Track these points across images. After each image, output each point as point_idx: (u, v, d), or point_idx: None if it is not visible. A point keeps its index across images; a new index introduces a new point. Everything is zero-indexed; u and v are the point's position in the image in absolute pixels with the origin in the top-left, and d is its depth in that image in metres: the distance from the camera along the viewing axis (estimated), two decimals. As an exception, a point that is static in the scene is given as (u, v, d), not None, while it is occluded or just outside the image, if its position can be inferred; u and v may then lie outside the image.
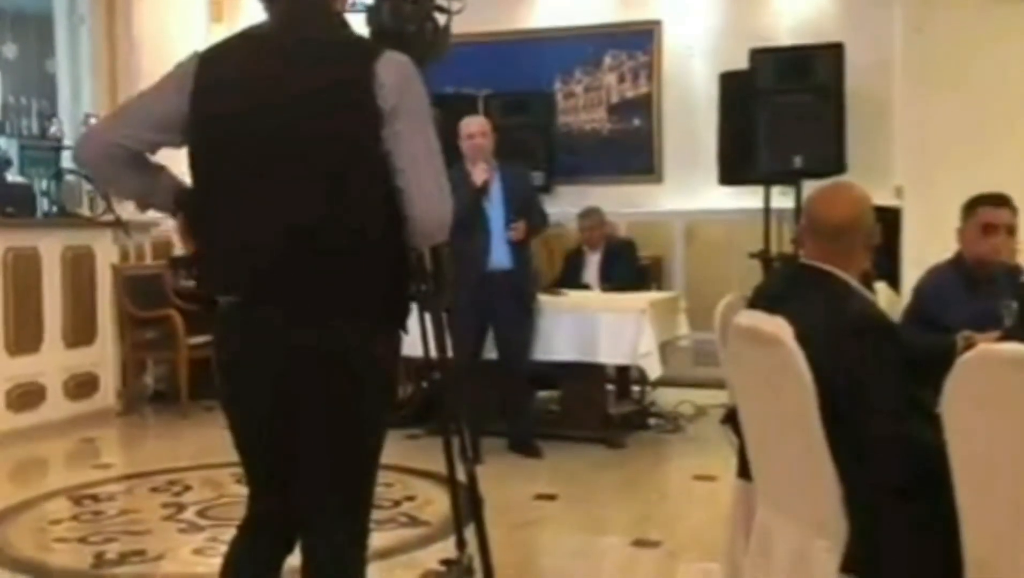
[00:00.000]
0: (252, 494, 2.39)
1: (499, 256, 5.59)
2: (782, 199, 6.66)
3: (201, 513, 4.62)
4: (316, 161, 2.14)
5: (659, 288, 7.14)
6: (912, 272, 4.38)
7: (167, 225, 7.25)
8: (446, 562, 3.35)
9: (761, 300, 2.63)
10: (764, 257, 6.53)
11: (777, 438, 2.48)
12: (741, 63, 6.67)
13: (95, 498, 4.95)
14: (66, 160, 6.97)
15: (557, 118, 7.96)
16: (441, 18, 2.82)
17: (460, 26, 2.97)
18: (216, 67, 2.24)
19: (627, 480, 5.24)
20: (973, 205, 3.77)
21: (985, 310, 3.43)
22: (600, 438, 5.83)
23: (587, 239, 6.92)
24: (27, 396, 6.28)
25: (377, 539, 3.88)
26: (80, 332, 6.65)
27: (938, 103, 5.73)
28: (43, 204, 6.79)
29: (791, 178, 6.48)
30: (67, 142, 7.01)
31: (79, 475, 5.43)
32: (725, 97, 6.96)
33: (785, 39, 7.11)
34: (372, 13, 2.75)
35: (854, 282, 2.52)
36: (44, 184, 6.83)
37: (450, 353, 3.07)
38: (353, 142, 2.14)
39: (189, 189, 2.30)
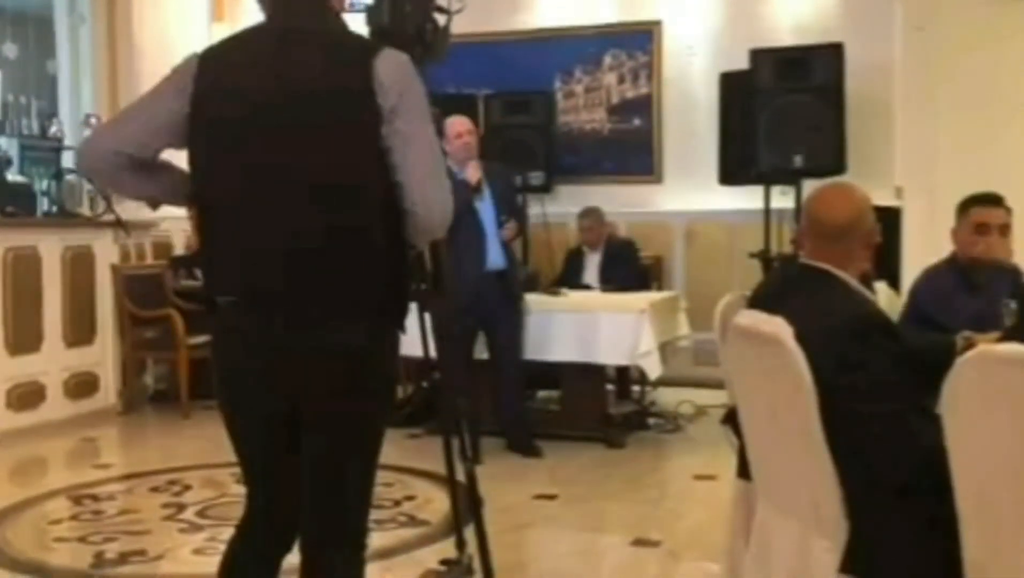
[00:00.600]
0: (250, 493, 2.39)
1: (494, 256, 5.59)
2: (782, 199, 6.66)
3: (201, 513, 4.62)
4: (316, 160, 2.14)
5: (659, 288, 7.14)
6: (912, 272, 4.37)
7: (167, 225, 7.28)
8: (446, 562, 3.35)
9: (761, 300, 2.63)
10: (764, 257, 6.53)
11: (777, 438, 2.48)
12: (741, 63, 6.67)
13: (95, 498, 4.95)
14: (66, 160, 6.97)
15: (557, 118, 7.96)
16: (441, 18, 2.83)
17: (460, 26, 2.97)
18: (215, 68, 2.24)
19: (627, 480, 5.24)
20: (966, 206, 3.77)
21: (985, 311, 3.43)
22: (600, 438, 5.83)
23: (587, 239, 6.92)
24: (27, 396, 6.28)
25: (377, 538, 3.91)
26: (80, 332, 6.65)
27: (939, 103, 5.73)
28: (43, 204, 6.80)
29: (791, 178, 6.47)
30: (67, 142, 7.01)
31: (79, 475, 5.44)
32: (725, 97, 6.96)
33: (785, 39, 7.10)
34: (372, 13, 2.75)
35: (854, 282, 2.51)
36: (44, 184, 6.83)
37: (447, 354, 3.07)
38: (353, 140, 2.14)
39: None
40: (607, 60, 7.94)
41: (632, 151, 7.90)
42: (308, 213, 2.14)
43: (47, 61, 8.00)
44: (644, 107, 7.87)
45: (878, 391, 2.24)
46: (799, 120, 6.38)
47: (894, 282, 5.31)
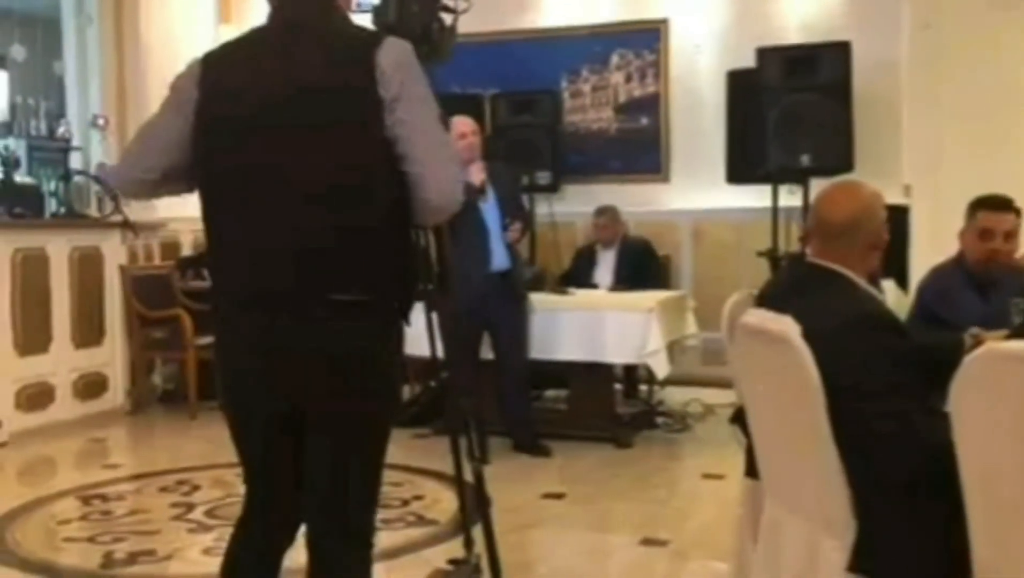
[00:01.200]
0: (249, 491, 2.40)
1: (499, 257, 5.59)
2: (790, 197, 6.64)
3: (210, 513, 4.62)
4: (319, 161, 2.14)
5: (667, 287, 7.13)
6: (920, 270, 4.37)
7: (175, 226, 7.29)
8: (454, 561, 3.36)
9: (769, 299, 2.63)
10: (772, 256, 6.51)
11: (785, 437, 2.48)
12: (748, 61, 6.66)
13: (104, 498, 4.96)
14: (74, 161, 7.00)
15: (564, 117, 7.95)
16: (447, 18, 2.82)
17: (466, 26, 2.97)
18: (218, 69, 2.25)
19: (635, 479, 5.24)
20: (974, 208, 3.75)
21: (993, 309, 3.43)
22: (608, 437, 5.83)
23: (601, 237, 6.91)
24: (36, 396, 6.30)
25: (385, 538, 3.91)
26: (89, 332, 6.67)
27: (946, 101, 5.72)
28: (51, 205, 6.81)
29: (799, 176, 6.46)
30: (75, 143, 7.03)
31: (88, 475, 5.45)
32: (732, 96, 6.95)
33: (792, 37, 7.09)
34: (378, 12, 2.76)
35: (861, 281, 2.51)
36: (52, 185, 6.85)
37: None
38: (357, 140, 2.14)
39: None
40: (614, 59, 7.93)
41: (639, 150, 7.89)
42: (313, 213, 2.14)
43: (54, 62, 8.01)
44: (651, 106, 7.86)
45: (885, 390, 2.24)
46: (806, 119, 6.36)
47: (902, 280, 5.30)
